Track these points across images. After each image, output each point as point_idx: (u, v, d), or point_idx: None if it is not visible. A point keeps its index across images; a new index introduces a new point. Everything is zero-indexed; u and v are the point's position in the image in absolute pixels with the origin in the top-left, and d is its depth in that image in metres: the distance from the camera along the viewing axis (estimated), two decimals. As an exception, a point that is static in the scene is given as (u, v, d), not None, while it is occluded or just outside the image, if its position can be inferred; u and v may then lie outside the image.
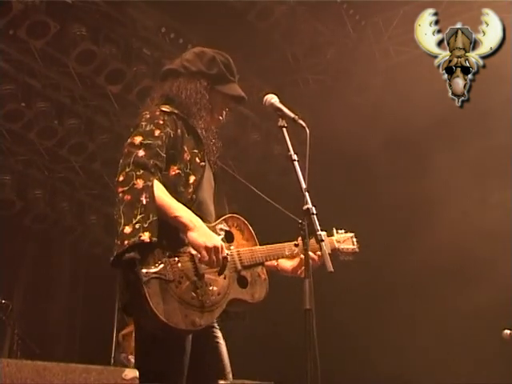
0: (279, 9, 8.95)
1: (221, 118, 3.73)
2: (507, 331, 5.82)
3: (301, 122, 3.36)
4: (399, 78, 9.39)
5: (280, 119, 3.41)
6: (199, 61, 3.67)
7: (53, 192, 10.65)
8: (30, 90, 9.31)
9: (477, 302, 8.06)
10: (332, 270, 2.98)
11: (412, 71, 9.05)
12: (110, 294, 11.46)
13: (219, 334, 3.59)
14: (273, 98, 3.51)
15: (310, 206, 3.11)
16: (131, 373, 6.68)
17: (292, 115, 3.40)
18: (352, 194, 9.47)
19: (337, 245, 3.95)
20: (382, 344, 9.01)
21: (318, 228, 3.09)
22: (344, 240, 4.01)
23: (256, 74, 9.46)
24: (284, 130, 3.38)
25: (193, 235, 3.20)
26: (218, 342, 3.56)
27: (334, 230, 4.02)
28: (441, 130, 9.04)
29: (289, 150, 3.30)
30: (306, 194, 3.16)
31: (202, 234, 3.22)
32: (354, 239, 4.06)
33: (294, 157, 3.28)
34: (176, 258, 3.23)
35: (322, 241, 3.07)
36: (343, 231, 4.06)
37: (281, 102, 3.50)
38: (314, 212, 3.11)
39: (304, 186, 3.19)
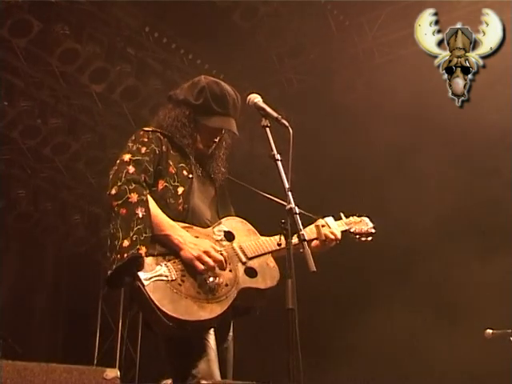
0: (263, 9, 8.93)
1: (207, 146, 3.77)
2: (489, 331, 5.86)
3: (284, 121, 3.37)
4: (383, 79, 9.41)
5: (263, 119, 3.43)
6: (190, 90, 3.75)
7: (36, 191, 10.60)
8: (13, 88, 9.25)
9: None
10: (314, 269, 2.99)
11: (395, 72, 9.08)
12: (94, 293, 11.44)
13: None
14: (256, 98, 3.55)
15: (292, 205, 3.13)
16: (112, 372, 6.66)
17: (275, 115, 3.41)
18: (335, 193, 9.46)
19: (347, 227, 4.03)
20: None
21: (301, 227, 3.11)
22: (355, 222, 4.10)
23: (240, 73, 9.44)
24: (267, 129, 3.40)
25: (183, 254, 3.33)
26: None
27: (342, 215, 4.09)
28: (425, 130, 9.05)
29: (272, 150, 3.32)
30: (289, 193, 3.18)
31: (190, 247, 3.34)
32: (368, 221, 4.15)
33: (277, 156, 3.30)
34: (176, 260, 3.35)
35: (305, 240, 3.08)
36: (355, 217, 4.13)
37: (264, 101, 3.51)
38: (297, 211, 3.13)
39: (287, 185, 3.20)
